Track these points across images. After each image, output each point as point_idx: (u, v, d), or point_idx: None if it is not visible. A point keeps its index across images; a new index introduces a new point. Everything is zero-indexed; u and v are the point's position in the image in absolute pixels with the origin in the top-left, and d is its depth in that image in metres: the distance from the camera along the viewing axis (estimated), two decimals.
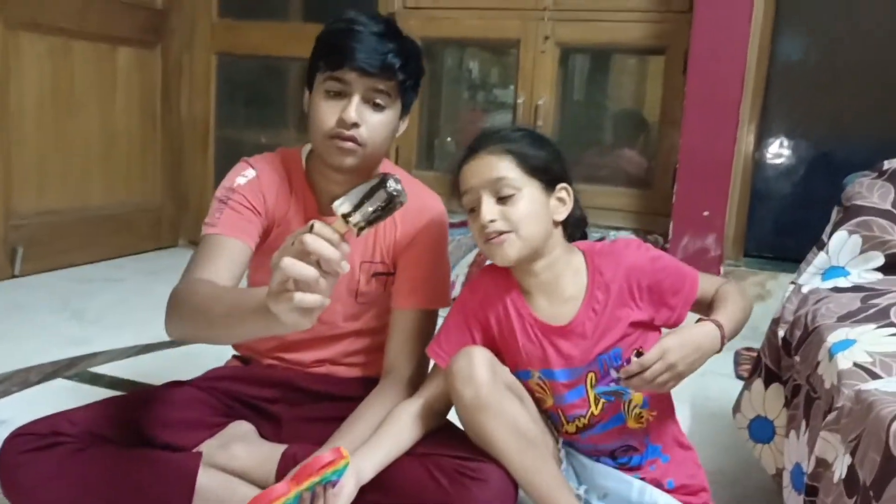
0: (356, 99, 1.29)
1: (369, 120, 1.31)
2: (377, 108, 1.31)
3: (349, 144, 1.30)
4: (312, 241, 0.86)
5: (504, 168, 1.22)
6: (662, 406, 1.32)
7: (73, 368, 2.12)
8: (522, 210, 1.21)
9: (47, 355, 2.19)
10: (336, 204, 0.90)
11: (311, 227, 0.88)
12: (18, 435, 1.26)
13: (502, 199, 1.21)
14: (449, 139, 3.68)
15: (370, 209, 0.90)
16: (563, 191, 1.27)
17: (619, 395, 1.26)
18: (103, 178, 3.46)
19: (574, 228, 1.33)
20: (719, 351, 1.22)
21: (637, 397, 1.29)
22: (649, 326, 1.30)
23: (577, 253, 1.31)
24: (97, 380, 2.04)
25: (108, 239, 3.49)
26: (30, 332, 2.44)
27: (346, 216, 0.90)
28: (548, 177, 1.25)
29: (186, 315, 1.15)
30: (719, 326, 1.21)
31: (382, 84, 1.30)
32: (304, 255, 0.86)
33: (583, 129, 3.43)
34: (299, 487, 1.07)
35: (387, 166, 1.47)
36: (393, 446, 1.25)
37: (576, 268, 1.30)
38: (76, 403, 1.36)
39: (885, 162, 1.60)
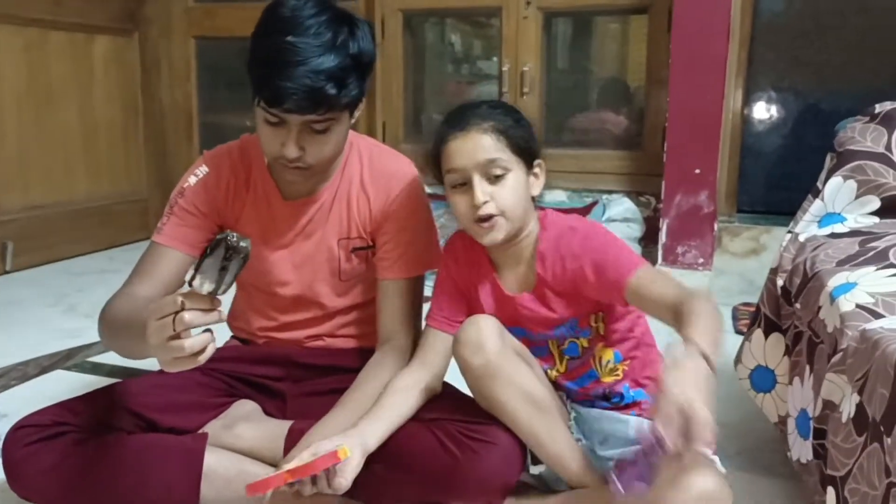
0: (294, 133, 1.23)
1: (312, 145, 1.25)
2: (319, 132, 1.25)
3: (296, 171, 1.28)
4: (194, 319, 0.94)
5: (495, 149, 1.20)
6: (640, 354, 1.31)
7: (71, 359, 2.11)
8: (510, 192, 1.21)
9: (45, 349, 2.18)
10: (196, 285, 0.93)
11: (182, 304, 0.94)
12: (21, 427, 1.25)
13: (491, 180, 1.21)
14: (435, 115, 3.65)
15: (230, 277, 0.94)
16: (539, 166, 1.27)
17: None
18: (87, 170, 3.43)
19: None
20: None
21: (607, 353, 1.29)
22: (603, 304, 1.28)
23: (535, 226, 1.30)
24: (97, 369, 2.03)
25: (97, 231, 3.46)
26: (25, 326, 2.42)
27: (212, 293, 0.94)
28: (529, 154, 1.25)
29: (104, 329, 1.26)
30: (704, 356, 1.00)
31: (321, 115, 1.22)
32: (187, 331, 0.95)
33: (570, 94, 3.41)
34: (294, 480, 1.09)
35: (355, 140, 1.43)
36: (395, 416, 1.25)
37: (532, 241, 1.29)
38: (77, 394, 1.35)
39: (877, 105, 1.60)
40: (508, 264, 1.31)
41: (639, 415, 1.29)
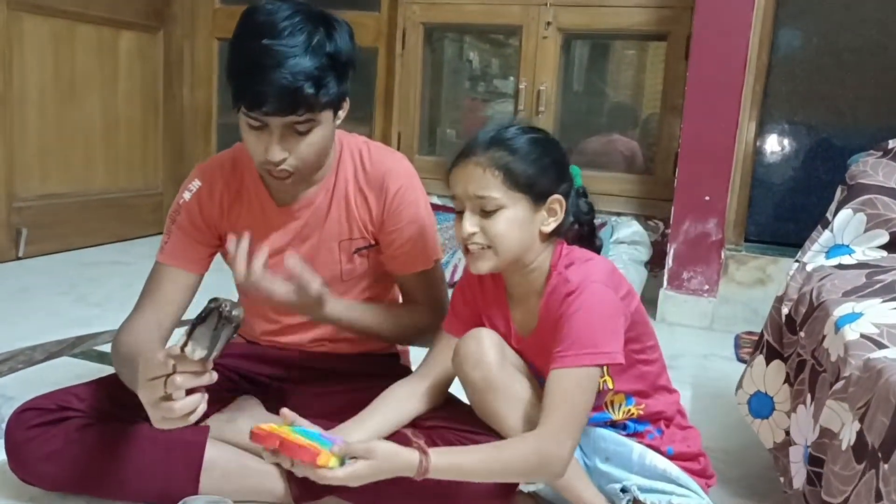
0: (276, 136, 1.23)
1: (296, 147, 1.25)
2: (302, 133, 1.25)
3: (282, 173, 1.28)
4: (185, 382, 0.98)
5: (487, 185, 1.17)
6: (651, 399, 1.31)
7: (78, 347, 2.13)
8: (503, 227, 1.18)
9: (53, 335, 2.19)
10: (188, 352, 0.97)
11: (174, 367, 0.98)
12: (25, 410, 1.27)
13: (483, 214, 1.18)
14: (449, 130, 3.69)
15: (222, 344, 0.97)
16: (556, 203, 1.22)
17: None
18: (105, 163, 3.47)
19: (580, 230, 1.30)
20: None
21: (619, 398, 1.30)
22: None
23: (546, 262, 1.26)
24: (103, 358, 2.04)
25: (111, 223, 3.50)
26: (35, 313, 2.44)
27: (204, 359, 0.97)
28: (537, 190, 1.20)
29: (113, 357, 1.32)
30: (424, 466, 1.09)
31: (300, 116, 1.22)
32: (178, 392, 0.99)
33: (585, 115, 3.44)
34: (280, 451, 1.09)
35: (345, 139, 1.43)
36: (384, 423, 1.26)
37: (542, 277, 1.26)
38: (81, 381, 1.37)
39: (890, 141, 1.61)
40: (518, 294, 1.29)
41: (640, 442, 1.30)
